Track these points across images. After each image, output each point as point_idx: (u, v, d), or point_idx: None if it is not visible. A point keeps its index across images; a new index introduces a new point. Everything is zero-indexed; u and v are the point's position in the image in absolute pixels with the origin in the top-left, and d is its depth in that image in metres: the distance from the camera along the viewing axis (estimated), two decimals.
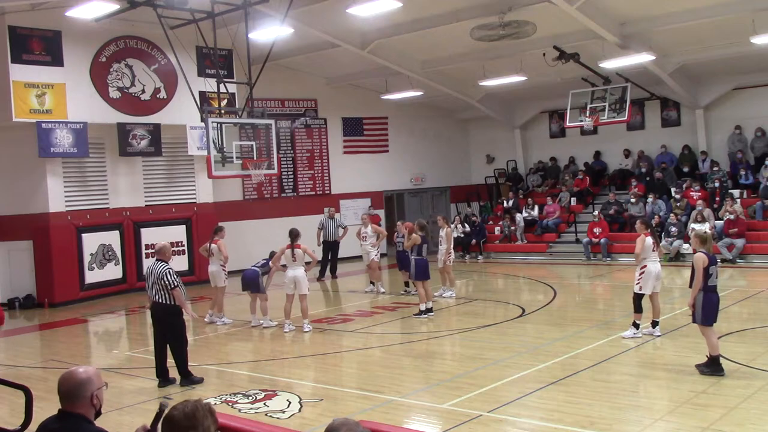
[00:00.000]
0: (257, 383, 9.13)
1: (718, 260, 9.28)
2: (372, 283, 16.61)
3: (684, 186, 20.46)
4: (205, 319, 13.50)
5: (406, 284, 15.68)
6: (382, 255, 20.08)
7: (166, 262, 9.40)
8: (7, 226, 17.01)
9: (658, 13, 16.64)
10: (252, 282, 12.93)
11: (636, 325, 10.43)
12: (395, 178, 24.99)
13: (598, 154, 23.91)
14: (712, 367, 8.29)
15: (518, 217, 22.34)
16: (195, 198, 19.41)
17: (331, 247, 19.25)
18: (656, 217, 19.11)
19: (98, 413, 3.71)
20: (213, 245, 13.49)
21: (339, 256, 19.72)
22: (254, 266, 13.18)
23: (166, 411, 3.33)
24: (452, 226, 18.62)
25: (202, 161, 17.73)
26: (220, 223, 15.15)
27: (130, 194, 18.34)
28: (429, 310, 13.09)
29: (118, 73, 17.55)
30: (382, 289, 16.42)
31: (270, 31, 15.90)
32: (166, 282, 9.16)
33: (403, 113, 24.64)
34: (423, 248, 13.32)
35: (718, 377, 8.14)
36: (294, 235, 12.38)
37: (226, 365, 10.39)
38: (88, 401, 3.64)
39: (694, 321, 8.60)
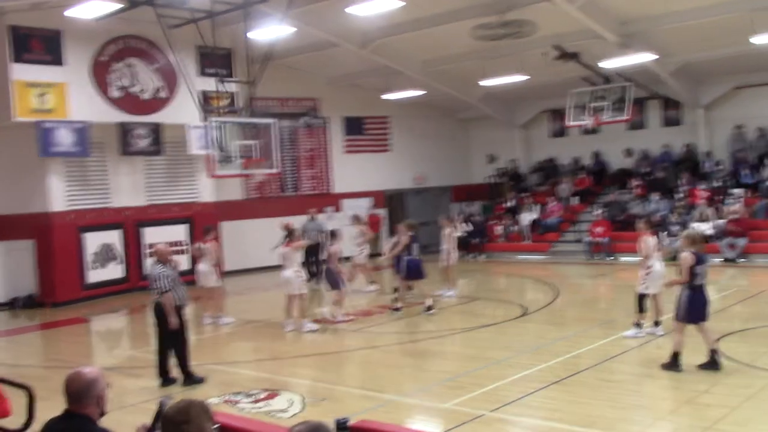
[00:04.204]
0: (259, 383, 9.12)
1: (709, 260, 9.28)
2: (372, 282, 16.63)
3: (685, 185, 20.45)
4: (204, 322, 13.47)
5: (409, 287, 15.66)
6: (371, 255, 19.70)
7: (164, 264, 9.40)
8: (9, 225, 17.01)
9: (658, 13, 16.63)
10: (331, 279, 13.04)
11: (638, 325, 10.43)
12: (397, 178, 24.95)
13: (596, 155, 23.89)
14: (675, 366, 8.40)
15: (522, 217, 22.24)
16: (196, 197, 19.39)
17: (313, 249, 18.27)
18: (657, 216, 19.09)
19: (102, 413, 3.72)
20: (206, 245, 13.46)
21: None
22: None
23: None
24: (457, 225, 18.55)
25: (203, 161, 17.73)
26: (210, 224, 15.10)
27: (132, 194, 18.34)
28: (398, 310, 13.28)
29: (119, 72, 17.55)
30: (371, 288, 16.44)
31: (270, 31, 15.90)
32: (158, 286, 9.18)
33: (404, 113, 24.61)
34: (414, 248, 13.36)
35: (713, 373, 8.15)
36: (288, 233, 12.51)
37: (228, 365, 10.39)
38: (94, 402, 3.65)
39: (676, 318, 8.62)
